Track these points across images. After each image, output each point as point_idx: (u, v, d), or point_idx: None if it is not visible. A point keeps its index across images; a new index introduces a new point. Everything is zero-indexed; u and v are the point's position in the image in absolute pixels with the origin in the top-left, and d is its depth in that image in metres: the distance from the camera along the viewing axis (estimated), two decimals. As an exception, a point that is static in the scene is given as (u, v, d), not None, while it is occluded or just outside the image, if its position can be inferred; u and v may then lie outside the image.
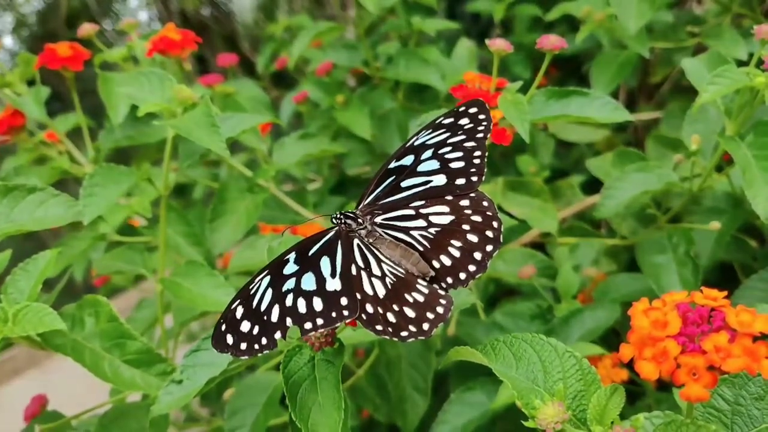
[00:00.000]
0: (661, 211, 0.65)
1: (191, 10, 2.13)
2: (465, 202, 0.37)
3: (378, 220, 0.38)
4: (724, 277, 0.74)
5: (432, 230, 0.36)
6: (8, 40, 2.49)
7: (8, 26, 2.46)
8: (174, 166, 0.62)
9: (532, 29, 1.07)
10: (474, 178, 0.38)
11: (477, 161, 0.38)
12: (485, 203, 0.37)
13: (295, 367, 0.34)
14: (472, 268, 0.35)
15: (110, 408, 0.49)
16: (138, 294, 0.99)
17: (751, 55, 0.52)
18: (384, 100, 0.90)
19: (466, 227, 0.36)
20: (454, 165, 0.38)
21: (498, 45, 0.49)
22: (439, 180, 0.38)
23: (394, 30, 0.99)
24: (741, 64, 0.57)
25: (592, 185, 0.80)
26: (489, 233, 0.36)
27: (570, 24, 1.04)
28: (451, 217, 0.37)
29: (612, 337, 0.66)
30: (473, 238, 0.36)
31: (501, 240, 0.36)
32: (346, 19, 1.27)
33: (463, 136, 0.39)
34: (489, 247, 0.36)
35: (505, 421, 0.62)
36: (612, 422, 0.32)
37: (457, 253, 0.36)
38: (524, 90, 0.52)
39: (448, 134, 0.39)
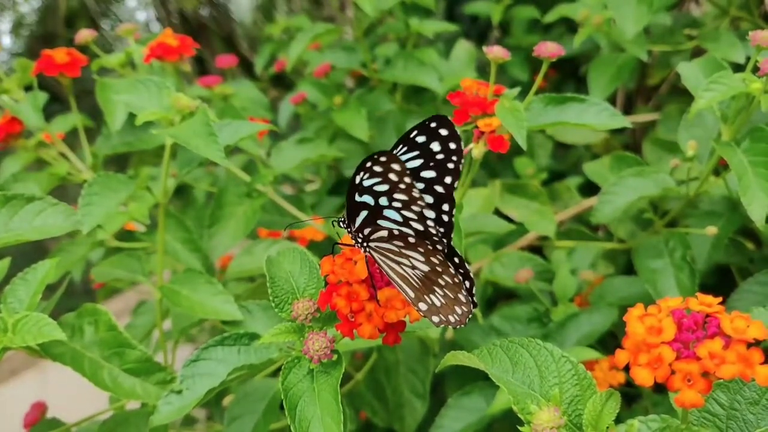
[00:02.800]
0: (658, 214, 0.65)
1: (190, 11, 2.12)
2: (440, 257, 0.34)
3: (371, 245, 0.35)
4: (722, 280, 0.74)
5: (418, 272, 0.34)
6: (6, 40, 2.49)
7: (7, 26, 2.45)
8: (173, 171, 0.62)
9: (530, 31, 1.07)
10: (439, 247, 0.34)
11: (445, 218, 0.34)
12: (456, 260, 0.35)
13: (294, 380, 0.34)
14: (452, 318, 0.35)
15: (110, 416, 0.49)
16: (136, 295, 1.00)
17: (748, 58, 0.52)
18: (382, 101, 0.90)
19: (441, 282, 0.34)
20: (425, 213, 0.34)
21: (495, 52, 0.49)
22: (417, 227, 0.34)
23: (393, 32, 0.99)
24: (739, 67, 0.57)
25: (590, 187, 0.81)
26: (461, 296, 0.34)
27: (568, 25, 1.05)
28: (428, 268, 0.34)
29: (609, 340, 0.67)
30: (450, 293, 0.35)
31: (476, 300, 0.35)
32: (344, 20, 1.27)
33: (433, 173, 0.34)
34: (464, 308, 0.35)
35: (503, 424, 0.62)
36: (607, 427, 0.32)
37: (438, 302, 0.34)
38: (522, 94, 0.53)
39: (421, 161, 0.34)
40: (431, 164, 0.34)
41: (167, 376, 0.44)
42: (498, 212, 0.67)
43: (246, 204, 0.63)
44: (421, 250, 0.33)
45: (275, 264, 0.38)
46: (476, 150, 0.49)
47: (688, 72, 0.56)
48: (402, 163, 0.31)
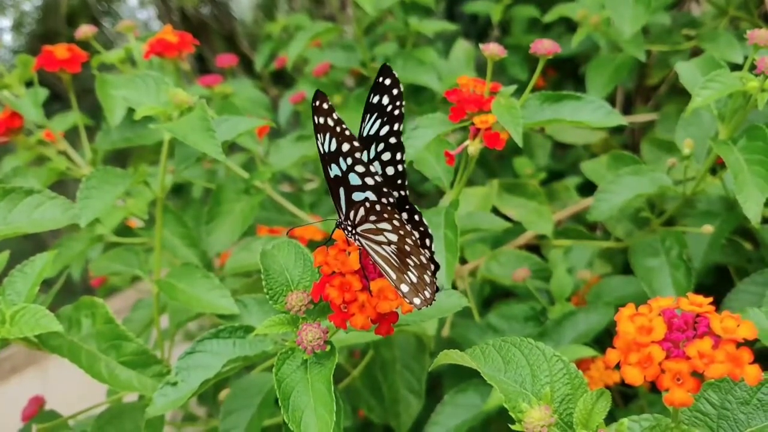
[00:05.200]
0: (655, 213, 0.65)
1: (190, 9, 2.13)
2: (404, 215, 0.36)
3: (358, 230, 0.36)
4: (720, 279, 0.74)
5: (393, 247, 0.35)
6: (8, 38, 2.50)
7: (9, 24, 2.46)
8: (171, 168, 0.63)
9: (529, 31, 1.07)
10: (402, 193, 0.35)
11: (399, 167, 0.35)
12: (416, 217, 0.36)
13: (288, 370, 0.34)
14: (427, 293, 0.35)
15: (106, 408, 0.50)
16: (135, 294, 1.00)
17: (746, 59, 0.52)
18: (381, 101, 0.90)
19: (407, 248, 0.35)
20: (388, 171, 0.36)
21: (491, 50, 0.49)
22: (369, 182, 0.34)
23: (392, 31, 0.99)
24: (737, 67, 0.57)
25: (589, 187, 0.81)
26: (422, 258, 0.34)
27: (568, 25, 1.05)
28: (396, 237, 0.35)
29: (606, 339, 0.67)
30: (416, 260, 0.35)
31: (435, 259, 0.35)
32: (345, 19, 1.27)
33: (387, 127, 0.35)
34: (429, 273, 0.35)
35: (499, 422, 0.63)
36: (597, 426, 0.32)
37: (414, 278, 0.34)
38: (520, 93, 0.53)
39: (379, 122, 0.35)
40: (385, 119, 0.35)
41: (163, 369, 0.45)
42: (496, 211, 0.67)
43: (244, 201, 0.63)
44: (386, 216, 0.33)
45: (270, 257, 0.38)
46: (472, 146, 0.50)
47: (686, 71, 0.57)
48: (327, 98, 0.32)
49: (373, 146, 0.36)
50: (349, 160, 0.32)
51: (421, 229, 0.36)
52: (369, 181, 0.33)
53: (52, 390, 0.78)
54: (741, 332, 0.29)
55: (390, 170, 0.36)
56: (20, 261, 0.47)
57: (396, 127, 0.35)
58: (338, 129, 0.32)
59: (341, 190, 0.34)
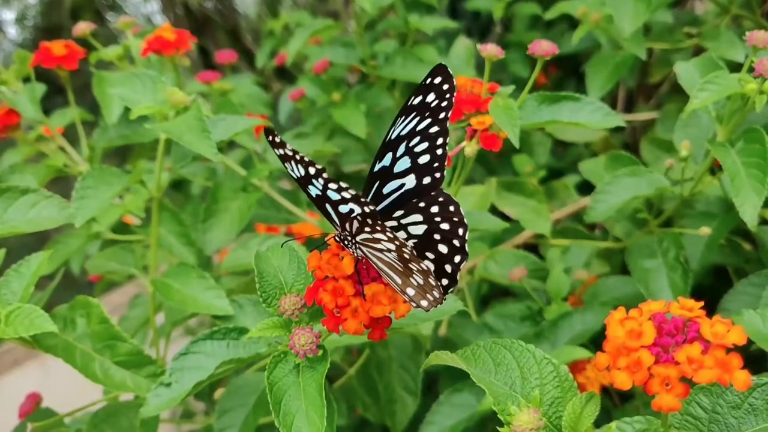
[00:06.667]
0: (653, 214, 0.65)
1: (195, 3, 2.12)
2: (435, 209, 0.36)
3: (357, 239, 0.36)
4: (719, 280, 0.73)
5: (393, 254, 0.34)
6: (12, 31, 2.50)
7: (12, 17, 2.46)
8: (168, 165, 0.63)
9: (532, 28, 1.06)
10: (437, 174, 0.36)
11: (439, 151, 0.36)
12: (452, 208, 0.36)
13: (280, 374, 0.35)
14: (444, 281, 0.35)
15: (102, 406, 0.50)
16: (135, 288, 1.00)
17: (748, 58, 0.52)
18: (380, 98, 0.90)
19: (437, 236, 0.36)
20: (421, 160, 0.36)
21: (489, 50, 0.49)
22: (411, 182, 0.36)
23: (393, 28, 0.99)
24: (739, 66, 0.56)
25: (589, 186, 0.80)
26: (456, 242, 0.35)
27: (570, 22, 1.04)
28: (425, 227, 0.36)
29: (603, 339, 0.66)
30: (443, 248, 0.35)
31: (467, 249, 0.35)
32: (348, 16, 1.27)
33: (428, 120, 0.36)
34: (457, 258, 0.35)
35: (495, 422, 0.63)
36: (586, 430, 0.32)
37: (420, 280, 0.34)
38: (521, 91, 0.52)
39: (417, 119, 0.36)
40: (426, 114, 0.36)
41: (157, 369, 0.45)
42: (494, 210, 0.67)
43: (241, 198, 0.63)
44: (378, 228, 0.33)
45: (264, 259, 0.39)
46: (469, 148, 0.49)
47: (685, 71, 0.56)
48: (275, 132, 0.33)
49: (403, 144, 0.36)
50: (320, 180, 0.33)
51: (455, 219, 0.36)
52: (345, 195, 0.33)
53: (54, 383, 0.78)
54: (731, 337, 0.29)
55: (425, 158, 0.36)
56: (22, 254, 0.47)
57: (442, 115, 0.36)
58: (297, 157, 0.33)
59: (328, 206, 0.35)
